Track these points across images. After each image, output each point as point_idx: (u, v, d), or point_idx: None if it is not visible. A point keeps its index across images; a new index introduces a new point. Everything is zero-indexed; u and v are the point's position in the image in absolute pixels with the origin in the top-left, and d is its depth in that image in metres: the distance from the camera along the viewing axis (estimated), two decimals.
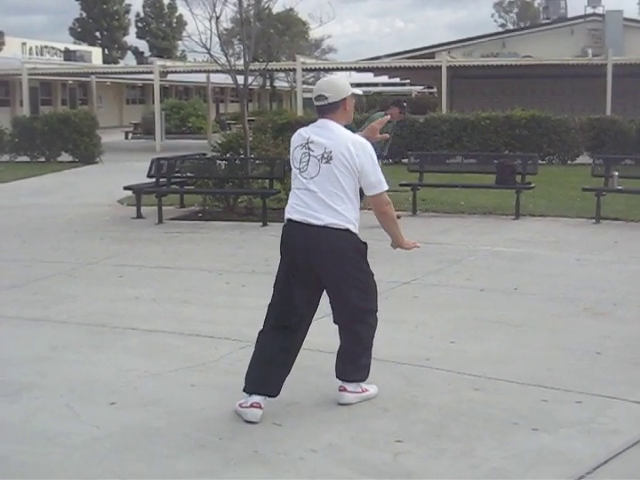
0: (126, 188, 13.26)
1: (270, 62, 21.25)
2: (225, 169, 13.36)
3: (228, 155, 13.98)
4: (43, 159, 23.64)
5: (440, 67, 26.96)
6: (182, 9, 56.14)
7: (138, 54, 74.23)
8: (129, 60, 72.08)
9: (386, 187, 4.95)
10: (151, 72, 30.30)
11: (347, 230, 4.81)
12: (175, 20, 73.12)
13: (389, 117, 5.68)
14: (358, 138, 4.91)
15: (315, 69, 33.01)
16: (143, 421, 4.76)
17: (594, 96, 26.85)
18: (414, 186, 13.05)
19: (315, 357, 5.61)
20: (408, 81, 51.67)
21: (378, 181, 4.89)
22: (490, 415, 4.80)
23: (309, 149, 4.84)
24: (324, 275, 4.83)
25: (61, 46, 51.53)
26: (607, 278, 8.43)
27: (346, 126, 4.96)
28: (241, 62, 14.18)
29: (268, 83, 54.78)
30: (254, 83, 20.05)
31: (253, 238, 10.67)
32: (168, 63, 34.03)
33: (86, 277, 8.72)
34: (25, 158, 23.57)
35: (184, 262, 9.44)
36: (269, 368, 4.80)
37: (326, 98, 4.89)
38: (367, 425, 4.69)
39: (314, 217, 4.76)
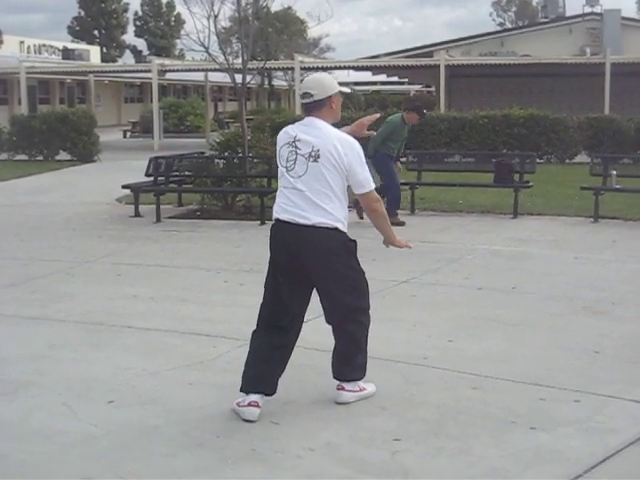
0: (124, 187, 13.26)
1: (268, 61, 21.20)
2: (223, 168, 13.36)
3: (226, 154, 13.97)
4: (41, 158, 23.63)
5: (438, 66, 26.96)
6: (180, 7, 56.14)
7: (136, 53, 74.21)
8: (127, 59, 72.11)
9: (373, 185, 4.92)
10: (149, 71, 30.27)
11: (336, 229, 4.78)
12: (173, 19, 73.13)
13: (378, 115, 5.64)
14: (345, 136, 4.86)
15: (313, 68, 32.93)
16: (141, 419, 4.76)
17: (592, 95, 26.87)
18: (412, 185, 13.05)
19: (312, 356, 5.62)
20: (406, 80, 51.67)
21: (366, 180, 4.87)
22: (488, 414, 4.81)
23: (296, 147, 4.81)
24: (314, 274, 4.82)
25: (59, 45, 51.51)
26: (605, 277, 8.43)
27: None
28: (239, 61, 14.18)
29: (266, 82, 54.78)
30: (252, 82, 20.06)
31: (251, 237, 10.66)
32: (166, 62, 33.99)
33: (84, 275, 8.72)
34: (23, 157, 23.56)
35: (182, 260, 9.44)
36: (265, 367, 4.81)
37: (312, 96, 4.85)
38: (365, 423, 4.69)
39: (302, 216, 4.74)
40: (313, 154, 4.75)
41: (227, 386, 5.05)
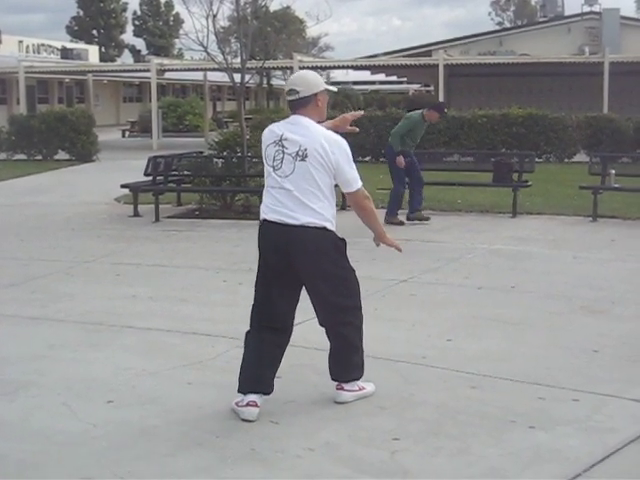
0: (123, 186, 13.25)
1: (267, 60, 21.20)
2: (222, 167, 13.36)
3: (225, 153, 13.97)
4: (40, 157, 23.62)
5: (437, 65, 26.96)
6: (179, 7, 56.09)
7: (135, 52, 74.21)
8: (126, 58, 72.12)
9: (360, 183, 4.88)
10: (148, 70, 30.27)
11: (324, 228, 4.75)
12: (172, 18, 73.12)
13: (362, 113, 5.59)
14: (333, 135, 4.82)
15: (312, 67, 32.91)
16: (140, 419, 4.76)
17: (591, 94, 26.88)
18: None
19: (312, 355, 5.62)
20: (405, 79, 51.63)
21: (354, 178, 4.84)
22: (487, 413, 4.81)
23: (283, 146, 4.76)
24: (303, 274, 4.80)
25: (58, 44, 51.49)
26: (604, 276, 8.43)
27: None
28: (238, 60, 14.19)
29: (265, 81, 54.75)
30: (251, 81, 20.06)
31: (250, 236, 10.56)
32: (165, 61, 34.01)
33: (83, 275, 8.72)
34: (22, 156, 23.55)
35: (181, 260, 9.44)
36: (262, 367, 4.81)
37: (297, 92, 4.79)
38: (364, 423, 4.69)
39: (290, 217, 4.70)
40: (301, 153, 4.70)
41: (226, 386, 5.04)
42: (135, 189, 12.90)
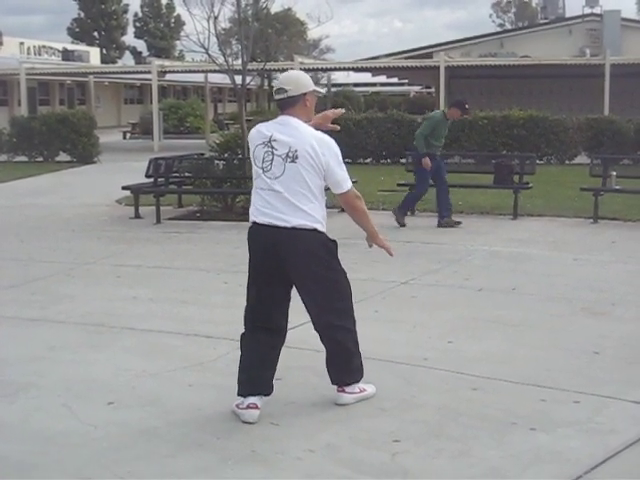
0: (124, 188, 13.26)
1: (268, 62, 21.22)
2: (223, 169, 13.36)
3: (226, 155, 13.98)
4: (41, 159, 23.63)
5: (438, 67, 26.96)
6: (180, 9, 56.15)
7: (136, 54, 74.20)
8: (127, 60, 72.06)
9: (350, 183, 4.85)
10: (149, 72, 30.28)
11: (315, 230, 4.72)
12: (173, 20, 73.12)
13: (343, 110, 5.56)
14: (322, 135, 4.77)
15: (313, 69, 32.94)
16: (141, 420, 4.76)
17: (592, 96, 26.88)
18: (412, 186, 13.03)
19: (312, 357, 5.61)
20: (406, 81, 51.71)
21: (344, 178, 4.80)
22: (488, 415, 4.81)
23: (272, 147, 4.71)
24: (294, 276, 4.78)
25: (59, 46, 51.47)
26: (605, 278, 8.43)
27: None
28: (239, 62, 14.18)
29: (266, 83, 54.78)
30: (252, 83, 20.04)
31: None
32: (166, 63, 34.02)
33: (84, 277, 8.72)
34: (23, 158, 23.56)
35: (182, 262, 9.44)
36: (259, 368, 4.80)
37: (286, 91, 4.76)
38: (365, 425, 4.69)
39: (281, 219, 4.68)
40: (291, 155, 4.67)
41: (227, 387, 5.04)
42: (136, 191, 12.90)
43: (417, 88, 57.80)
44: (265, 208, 4.74)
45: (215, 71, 19.64)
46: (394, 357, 5.81)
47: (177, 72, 35.07)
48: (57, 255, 9.89)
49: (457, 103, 11.86)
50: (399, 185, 13.29)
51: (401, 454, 4.30)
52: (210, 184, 13.53)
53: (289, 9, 30.98)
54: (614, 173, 12.29)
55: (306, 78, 4.90)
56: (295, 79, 4.85)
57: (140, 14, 73.64)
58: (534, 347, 6.13)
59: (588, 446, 4.39)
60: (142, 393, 5.21)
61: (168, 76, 35.73)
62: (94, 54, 54.73)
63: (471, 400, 5.04)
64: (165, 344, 6.27)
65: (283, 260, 4.72)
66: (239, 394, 4.81)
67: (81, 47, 57.24)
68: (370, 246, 5.17)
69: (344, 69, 33.11)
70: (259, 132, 4.83)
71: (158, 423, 4.72)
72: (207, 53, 13.90)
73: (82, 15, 70.44)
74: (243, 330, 4.96)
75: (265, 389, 4.82)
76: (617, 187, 12.30)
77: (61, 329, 6.72)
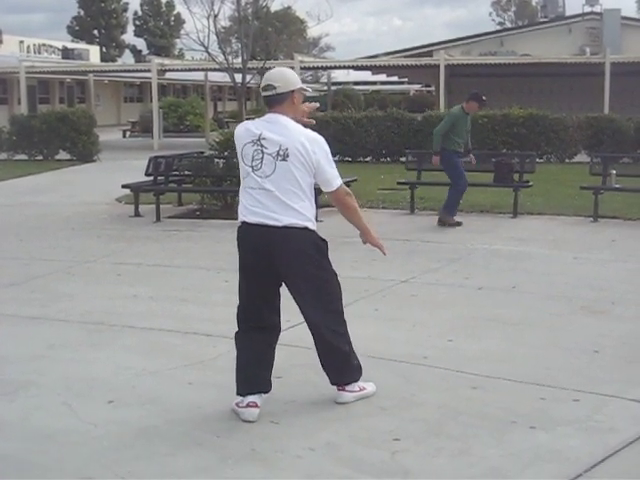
0: (124, 186, 13.25)
1: (268, 60, 21.19)
2: (223, 167, 13.34)
3: (226, 153, 13.96)
4: (41, 157, 23.61)
5: (438, 65, 26.95)
6: (180, 7, 56.14)
7: (136, 52, 74.20)
8: (127, 58, 72.11)
9: (340, 180, 4.83)
10: (149, 70, 30.25)
11: (305, 228, 4.70)
12: (173, 18, 73.12)
13: (317, 105, 5.53)
14: (312, 133, 4.74)
15: (313, 67, 32.99)
16: (141, 419, 4.77)
17: (592, 94, 26.87)
18: (412, 184, 13.05)
19: (312, 356, 5.59)
20: (406, 79, 51.65)
21: (334, 176, 4.78)
22: (488, 413, 4.81)
23: (262, 146, 4.68)
24: (285, 274, 4.76)
25: (59, 44, 51.46)
26: (605, 276, 8.43)
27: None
28: (239, 60, 14.21)
29: None
30: (252, 81, 20.06)
31: None
32: (166, 61, 33.99)
33: (84, 275, 8.72)
34: (23, 156, 23.54)
35: (182, 260, 9.44)
36: (256, 367, 4.80)
37: (274, 88, 4.73)
38: (365, 423, 4.69)
39: (272, 218, 4.65)
40: (281, 153, 4.64)
41: (227, 386, 5.04)
42: (136, 189, 12.90)
43: (417, 87, 57.74)
44: (255, 207, 4.70)
45: (215, 69, 19.65)
46: (394, 355, 5.81)
47: (177, 70, 35.03)
48: (57, 253, 9.89)
49: (474, 96, 11.81)
50: (399, 183, 13.30)
51: (401, 453, 4.30)
52: (210, 182, 13.52)
53: (289, 7, 30.99)
54: (614, 172, 12.28)
55: (294, 76, 4.88)
56: (284, 76, 4.81)
57: (140, 12, 73.69)
58: (534, 346, 6.14)
59: (588, 445, 4.39)
60: (142, 392, 5.21)
61: (168, 74, 35.67)
62: (94, 52, 54.74)
63: (471, 399, 5.04)
64: (165, 342, 6.27)
65: (274, 259, 4.70)
66: (238, 393, 4.81)
67: (81, 45, 57.22)
68: (364, 242, 5.14)
69: (344, 67, 33.11)
70: (247, 130, 4.79)
71: (158, 422, 4.72)
72: (207, 51, 13.96)
73: (82, 13, 70.45)
74: (237, 329, 4.95)
75: (263, 387, 4.82)
76: (617, 186, 12.30)
77: (61, 327, 6.72)
